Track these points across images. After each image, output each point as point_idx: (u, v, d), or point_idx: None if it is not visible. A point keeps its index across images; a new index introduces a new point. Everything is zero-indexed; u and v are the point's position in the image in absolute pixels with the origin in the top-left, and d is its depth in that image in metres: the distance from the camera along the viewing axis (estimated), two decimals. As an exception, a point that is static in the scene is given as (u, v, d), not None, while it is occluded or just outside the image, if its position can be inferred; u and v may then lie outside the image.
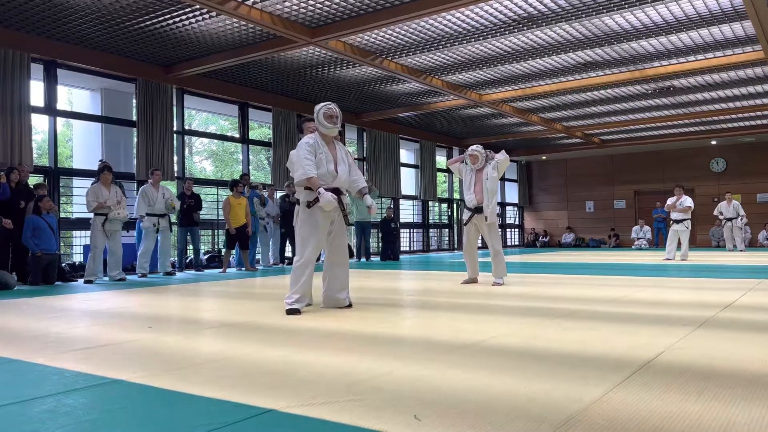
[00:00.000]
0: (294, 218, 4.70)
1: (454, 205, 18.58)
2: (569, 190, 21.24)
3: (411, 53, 9.54)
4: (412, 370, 2.52)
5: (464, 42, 9.01)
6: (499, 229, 6.49)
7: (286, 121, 12.08)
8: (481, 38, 8.84)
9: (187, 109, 11.72)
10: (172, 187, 10.48)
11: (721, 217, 14.37)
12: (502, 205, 20.83)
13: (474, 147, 6.43)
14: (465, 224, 6.42)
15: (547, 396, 2.08)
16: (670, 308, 4.28)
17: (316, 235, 4.42)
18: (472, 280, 6.52)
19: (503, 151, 6.45)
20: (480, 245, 7.12)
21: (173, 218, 9.54)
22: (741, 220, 14.10)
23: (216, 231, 11.92)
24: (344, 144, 5.27)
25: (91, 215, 8.03)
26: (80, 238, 9.91)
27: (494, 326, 3.62)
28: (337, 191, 4.50)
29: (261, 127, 23.01)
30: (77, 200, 9.65)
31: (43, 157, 15.11)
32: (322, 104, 4.59)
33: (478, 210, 6.29)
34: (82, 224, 9.12)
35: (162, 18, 7.93)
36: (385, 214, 13.42)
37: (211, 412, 1.99)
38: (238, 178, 10.57)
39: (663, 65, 10.37)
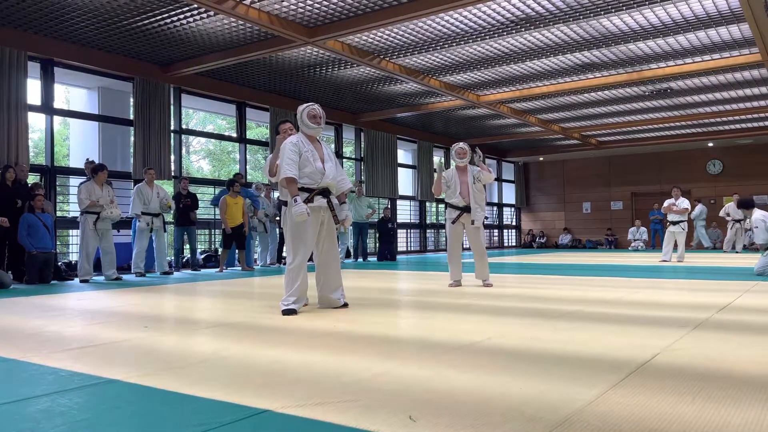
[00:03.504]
0: (282, 219, 4.68)
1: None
2: (566, 192, 21.27)
3: (409, 54, 9.54)
4: (407, 370, 2.51)
5: (462, 43, 9.01)
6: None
7: (283, 120, 12.06)
8: (479, 39, 8.85)
9: (184, 108, 11.70)
10: (169, 187, 10.46)
11: (728, 218, 14.34)
12: (500, 206, 20.85)
13: (460, 144, 6.37)
14: (453, 222, 6.34)
15: (543, 396, 2.08)
16: (666, 310, 4.29)
17: (306, 236, 4.39)
18: (458, 283, 6.37)
19: (492, 172, 6.39)
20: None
21: (169, 218, 9.51)
22: (748, 221, 14.08)
23: (213, 230, 11.91)
24: (332, 144, 5.28)
25: (79, 214, 7.96)
26: (77, 237, 9.87)
27: (490, 327, 3.62)
28: (326, 192, 4.49)
29: (258, 127, 23.01)
30: (74, 199, 9.62)
31: (40, 155, 15.07)
32: (305, 105, 4.58)
33: (466, 209, 6.23)
34: (79, 223, 9.08)
35: (160, 17, 7.92)
36: (383, 214, 13.42)
37: (206, 412, 1.98)
38: (232, 177, 10.55)
39: (660, 67, 10.39)
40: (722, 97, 12.73)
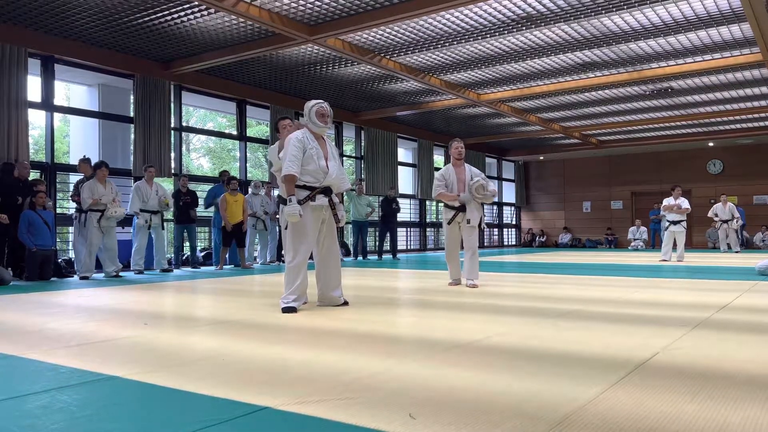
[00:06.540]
0: (280, 216, 4.67)
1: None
2: (566, 191, 21.27)
3: (410, 52, 9.53)
4: (407, 368, 2.51)
5: (463, 41, 9.00)
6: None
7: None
8: (479, 38, 8.84)
9: (185, 105, 11.69)
10: (169, 184, 10.45)
11: (716, 219, 14.40)
12: (500, 205, 20.86)
13: (456, 143, 6.32)
14: (449, 223, 6.30)
15: (543, 395, 2.08)
16: (666, 309, 4.29)
17: (306, 234, 4.39)
18: (457, 282, 6.35)
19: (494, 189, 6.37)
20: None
21: (169, 215, 9.49)
22: (736, 222, 14.14)
23: (212, 228, 11.88)
24: (333, 142, 5.26)
25: (74, 210, 7.95)
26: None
27: (491, 326, 3.62)
28: (328, 190, 4.48)
29: (259, 125, 22.99)
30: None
31: (40, 152, 15.08)
32: (313, 102, 4.54)
33: (461, 209, 6.18)
34: (73, 220, 9.06)
35: (161, 14, 7.91)
36: (388, 193, 13.16)
37: (206, 409, 1.98)
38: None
39: (661, 66, 10.38)
40: (723, 97, 12.72)
